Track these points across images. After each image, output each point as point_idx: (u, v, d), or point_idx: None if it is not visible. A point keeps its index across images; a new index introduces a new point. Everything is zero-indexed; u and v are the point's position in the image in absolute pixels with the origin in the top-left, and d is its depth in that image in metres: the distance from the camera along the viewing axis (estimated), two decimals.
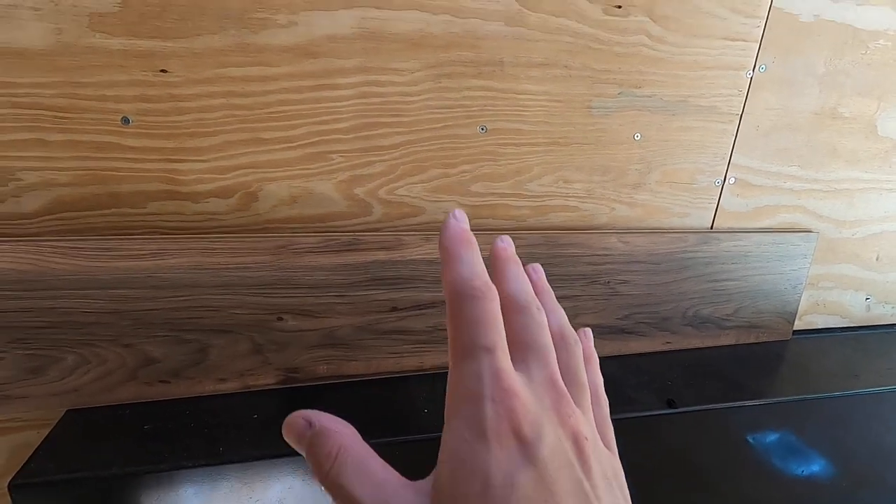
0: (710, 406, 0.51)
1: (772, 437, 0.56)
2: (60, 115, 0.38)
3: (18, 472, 0.36)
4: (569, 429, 0.19)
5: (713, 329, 0.60)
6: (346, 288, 0.46)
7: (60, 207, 0.41)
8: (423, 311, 0.48)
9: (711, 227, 0.58)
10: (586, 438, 0.19)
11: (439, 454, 0.18)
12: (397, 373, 0.50)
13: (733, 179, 0.56)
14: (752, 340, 0.62)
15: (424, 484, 0.18)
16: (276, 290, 0.44)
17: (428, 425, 0.44)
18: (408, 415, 0.45)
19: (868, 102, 0.56)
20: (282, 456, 0.40)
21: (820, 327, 0.68)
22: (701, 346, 0.60)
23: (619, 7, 0.46)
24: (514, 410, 0.18)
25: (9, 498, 0.36)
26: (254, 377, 0.46)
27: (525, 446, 0.17)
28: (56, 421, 0.42)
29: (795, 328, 0.64)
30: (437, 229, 0.49)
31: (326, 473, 0.18)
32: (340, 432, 0.19)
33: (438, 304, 0.49)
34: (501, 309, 0.20)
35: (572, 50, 0.46)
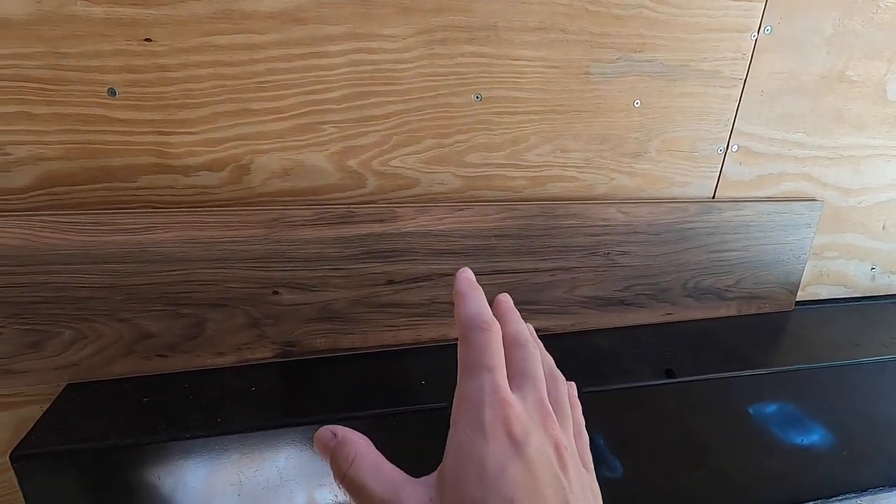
0: (710, 376, 0.51)
1: (772, 407, 0.56)
2: (45, 87, 0.38)
3: (20, 443, 0.37)
4: (552, 438, 0.23)
5: (714, 300, 0.59)
6: (340, 261, 0.45)
7: (51, 182, 0.40)
8: (419, 284, 0.48)
9: (713, 197, 0.56)
10: (566, 448, 0.23)
11: (445, 451, 0.22)
12: (394, 346, 0.50)
13: (736, 147, 0.54)
14: (753, 311, 0.62)
15: (428, 478, 0.22)
16: (271, 264, 0.44)
17: (425, 396, 0.44)
18: (405, 387, 0.45)
19: (878, 65, 0.54)
20: (280, 427, 0.41)
21: (823, 298, 0.67)
22: (701, 317, 0.60)
23: None
24: (508, 417, 0.22)
25: (12, 471, 0.36)
26: (251, 351, 0.46)
27: (516, 444, 0.21)
28: (57, 395, 0.42)
29: (798, 299, 0.63)
30: (432, 200, 0.48)
31: (345, 473, 0.22)
32: (357, 441, 0.23)
33: (434, 277, 0.48)
34: (504, 344, 0.25)
35: (569, 13, 0.44)
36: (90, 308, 0.41)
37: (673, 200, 0.55)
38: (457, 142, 0.47)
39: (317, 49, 0.41)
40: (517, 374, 0.25)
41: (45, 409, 0.41)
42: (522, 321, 0.29)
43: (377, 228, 0.45)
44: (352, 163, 0.45)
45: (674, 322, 0.59)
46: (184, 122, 0.41)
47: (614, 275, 0.54)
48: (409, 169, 0.47)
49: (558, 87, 0.47)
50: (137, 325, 0.43)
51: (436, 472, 0.22)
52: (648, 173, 0.53)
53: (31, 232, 0.38)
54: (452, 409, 0.23)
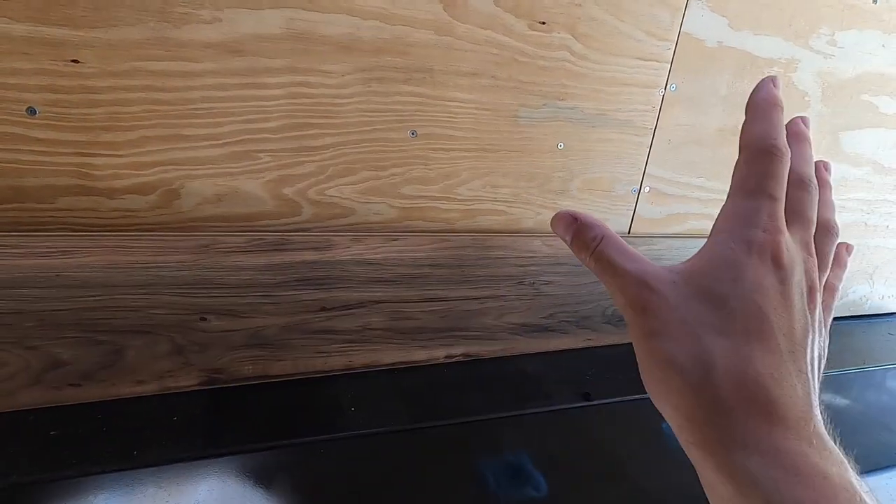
0: (624, 398, 0.55)
1: None
2: None
3: None
4: (809, 279, 0.23)
5: None
6: (272, 288, 0.45)
7: None
8: (352, 311, 0.49)
9: (629, 232, 0.62)
10: (819, 292, 0.24)
11: (699, 252, 0.23)
12: (325, 372, 0.50)
13: (648, 188, 0.60)
14: None
15: (673, 266, 0.23)
16: (199, 290, 0.43)
17: (354, 423, 0.45)
18: (334, 414, 0.46)
19: None
20: (202, 458, 0.40)
21: None
22: (619, 342, 0.65)
23: (544, 23, 0.48)
24: (779, 244, 0.22)
25: None
26: (174, 379, 0.45)
27: (780, 270, 0.22)
28: None
29: None
30: (367, 230, 0.50)
31: (592, 251, 0.24)
32: (601, 226, 0.25)
33: (367, 304, 0.49)
34: (788, 179, 0.24)
35: (499, 61, 0.48)
36: None
37: None
38: (392, 174, 0.49)
39: (255, 80, 0.42)
40: (791, 212, 0.24)
41: None
42: (810, 158, 0.26)
43: (311, 256, 0.46)
44: (287, 191, 0.46)
45: (594, 347, 0.63)
46: (110, 145, 0.40)
47: (540, 303, 0.58)
48: (345, 199, 0.48)
49: (489, 128, 0.50)
50: (48, 353, 0.41)
51: (683, 264, 0.23)
52: (571, 209, 0.57)
53: None
54: (717, 220, 0.24)
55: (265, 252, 0.44)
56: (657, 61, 0.54)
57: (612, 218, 0.60)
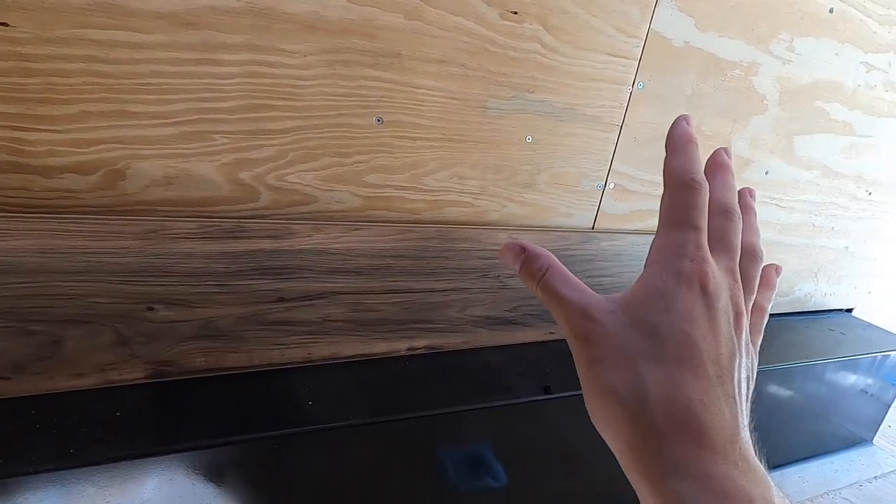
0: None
1: None
2: None
3: None
4: (735, 305, 0.24)
5: None
6: (227, 277, 0.43)
7: None
8: (312, 302, 0.48)
9: (593, 228, 0.63)
10: (744, 317, 0.25)
11: (635, 284, 0.24)
12: (283, 364, 0.48)
13: (613, 185, 0.61)
14: None
15: (612, 295, 0.24)
16: (146, 278, 0.41)
17: (312, 417, 0.44)
18: (291, 408, 0.44)
19: (724, 123, 0.64)
20: (149, 455, 0.38)
21: None
22: None
23: (515, 13, 0.47)
24: (706, 273, 0.23)
25: None
26: (117, 371, 0.42)
27: (707, 297, 0.23)
28: None
29: None
30: (329, 219, 0.48)
31: (539, 280, 0.25)
32: (547, 256, 0.26)
33: (328, 295, 0.48)
34: (710, 206, 0.26)
35: (469, 50, 0.47)
36: None
37: (558, 229, 0.60)
38: (357, 162, 0.47)
39: (210, 56, 0.39)
40: (715, 241, 0.25)
41: None
42: (733, 187, 0.28)
43: (269, 244, 0.44)
44: (244, 175, 0.44)
45: (556, 340, 0.64)
46: (46, 119, 0.37)
47: (504, 296, 0.58)
48: (306, 185, 0.46)
49: (457, 118, 0.49)
50: None
51: (620, 294, 0.24)
52: (537, 203, 0.57)
53: None
54: (650, 252, 0.25)
55: (219, 239, 0.42)
56: (626, 58, 0.54)
57: (576, 213, 0.60)
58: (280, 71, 0.42)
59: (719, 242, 0.26)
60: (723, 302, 0.24)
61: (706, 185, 0.25)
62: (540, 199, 0.57)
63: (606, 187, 0.61)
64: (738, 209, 0.28)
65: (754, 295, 0.28)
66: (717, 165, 0.29)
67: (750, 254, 0.28)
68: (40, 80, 0.36)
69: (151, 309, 0.41)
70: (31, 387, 0.40)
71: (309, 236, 0.45)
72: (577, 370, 0.24)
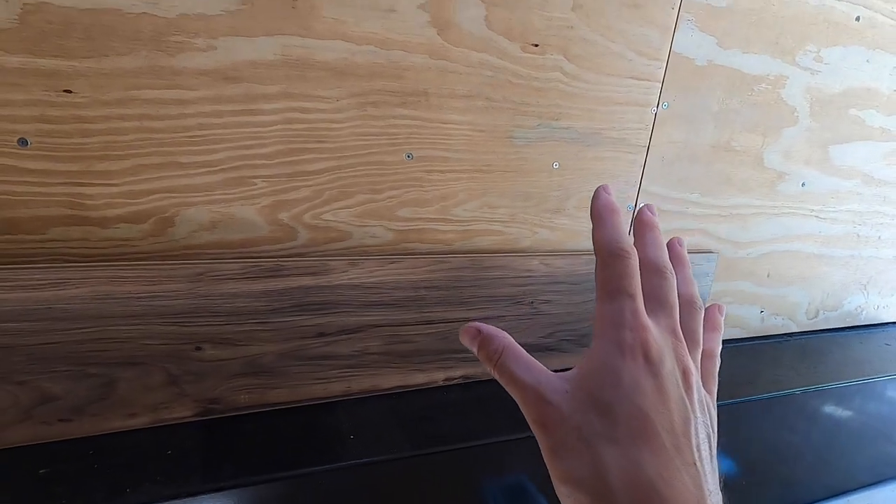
0: None
1: None
2: None
3: None
4: (681, 364, 0.25)
5: None
6: (268, 314, 0.45)
7: None
8: (350, 336, 0.48)
9: None
10: (692, 373, 0.25)
11: (583, 360, 0.25)
12: (324, 398, 0.49)
13: (643, 205, 0.60)
14: None
15: (566, 374, 0.25)
16: (194, 319, 0.43)
17: (353, 452, 0.44)
18: (333, 442, 0.45)
19: (755, 137, 0.63)
20: (199, 493, 0.39)
21: (723, 339, 0.74)
22: None
23: (536, 45, 0.49)
24: (647, 340, 0.24)
25: None
26: (168, 410, 0.44)
27: (650, 365, 0.23)
28: None
29: None
30: (364, 253, 0.49)
31: (496, 362, 0.25)
32: (501, 337, 0.26)
33: (365, 328, 0.49)
34: (642, 267, 0.26)
35: (493, 83, 0.48)
36: None
37: (590, 252, 0.59)
38: (389, 197, 0.49)
39: (250, 107, 0.42)
40: (652, 300, 0.26)
41: None
42: (662, 242, 0.29)
43: (308, 281, 0.46)
44: (283, 216, 0.46)
45: None
46: (104, 174, 0.40)
47: (538, 322, 0.57)
48: (341, 222, 0.48)
49: (484, 149, 0.50)
50: (38, 388, 0.39)
51: (573, 371, 0.25)
52: (567, 228, 0.57)
53: None
54: (594, 326, 0.25)
55: (261, 278, 0.44)
56: (648, 80, 0.55)
57: None
58: (314, 116, 0.44)
59: (656, 302, 0.26)
60: (667, 366, 0.24)
61: (634, 252, 0.26)
62: (570, 223, 0.57)
63: (637, 208, 0.60)
64: (670, 265, 0.28)
65: (700, 346, 0.28)
66: (643, 225, 0.30)
67: (688, 306, 0.28)
68: (98, 139, 0.39)
69: (199, 349, 0.43)
70: (89, 428, 0.41)
71: (345, 272, 0.47)
72: (544, 459, 0.24)
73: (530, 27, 0.48)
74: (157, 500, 0.37)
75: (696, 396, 0.24)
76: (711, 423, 0.26)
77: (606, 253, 0.26)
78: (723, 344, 0.73)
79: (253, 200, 0.44)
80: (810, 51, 0.62)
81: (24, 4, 0.34)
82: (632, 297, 0.25)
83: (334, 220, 0.47)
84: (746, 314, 0.74)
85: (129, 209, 0.41)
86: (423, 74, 0.46)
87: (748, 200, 0.66)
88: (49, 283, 0.38)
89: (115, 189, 0.40)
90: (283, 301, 0.45)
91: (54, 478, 0.38)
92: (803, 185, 0.69)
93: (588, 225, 0.59)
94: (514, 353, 0.26)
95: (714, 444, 0.25)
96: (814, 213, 0.73)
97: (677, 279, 0.28)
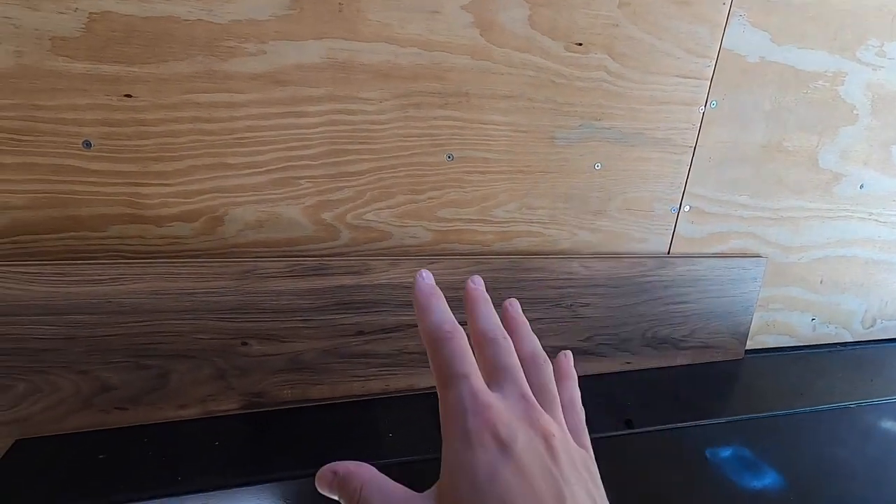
0: (667, 426, 0.53)
1: (725, 453, 0.59)
2: (17, 137, 0.38)
3: None
4: (539, 430, 0.22)
5: (670, 349, 0.62)
6: (312, 312, 0.46)
7: (16, 230, 0.40)
8: (388, 335, 0.49)
9: (668, 252, 0.60)
10: (554, 436, 0.23)
11: (442, 467, 0.22)
12: (363, 396, 0.50)
13: (688, 207, 0.59)
14: (706, 360, 0.65)
15: (429, 492, 0.23)
16: (241, 315, 0.44)
17: (391, 450, 0.44)
18: (371, 439, 0.45)
19: (810, 137, 0.60)
20: (245, 485, 0.40)
21: (771, 346, 0.71)
22: (658, 365, 0.63)
23: (580, 45, 0.48)
24: (491, 419, 0.22)
25: None
26: (216, 403, 0.45)
27: (503, 446, 0.21)
28: (4, 451, 0.40)
29: (747, 348, 0.67)
30: (404, 253, 0.50)
31: (357, 501, 0.23)
32: (359, 473, 0.23)
33: (404, 328, 0.49)
34: (474, 342, 0.25)
35: (535, 83, 0.48)
36: (47, 360, 0.40)
37: (631, 255, 0.58)
38: (429, 198, 0.49)
39: (296, 109, 0.43)
40: (492, 372, 0.24)
41: None
42: (491, 313, 0.27)
43: (349, 280, 0.46)
44: (326, 216, 0.47)
45: (632, 371, 0.61)
46: (160, 175, 0.41)
47: (577, 325, 0.56)
48: (382, 222, 0.48)
49: (525, 150, 0.50)
50: (97, 377, 0.42)
51: (435, 486, 0.22)
52: (609, 230, 0.56)
53: None
54: (441, 423, 0.23)
55: (305, 277, 0.45)
56: (697, 78, 0.53)
57: (651, 238, 0.59)
58: (358, 118, 0.44)
59: (494, 369, 0.24)
60: (521, 441, 0.22)
61: (459, 329, 0.24)
62: (612, 225, 0.56)
63: (682, 210, 0.58)
64: (501, 329, 0.26)
65: (557, 400, 0.26)
66: (468, 300, 0.28)
67: (531, 362, 0.26)
68: (155, 141, 0.40)
69: (246, 344, 0.44)
70: (144, 416, 0.43)
71: (385, 271, 0.47)
72: None
73: (574, 26, 0.47)
74: (208, 489, 0.38)
75: (564, 461, 0.22)
76: (593, 481, 0.24)
77: (431, 339, 0.24)
78: (770, 352, 0.70)
79: (298, 200, 0.45)
80: (872, 45, 0.58)
81: (91, 14, 0.36)
82: (466, 376, 0.23)
83: (375, 221, 0.48)
84: (797, 322, 0.71)
85: (182, 208, 0.43)
86: (464, 75, 0.46)
87: (801, 203, 0.63)
88: (109, 279, 0.40)
89: (169, 189, 0.42)
90: (326, 299, 0.46)
91: (112, 463, 0.40)
92: (862, 186, 0.66)
93: (631, 227, 0.58)
94: (375, 486, 0.23)
95: (602, 498, 0.23)
96: (872, 217, 0.69)
97: (513, 340, 0.26)
